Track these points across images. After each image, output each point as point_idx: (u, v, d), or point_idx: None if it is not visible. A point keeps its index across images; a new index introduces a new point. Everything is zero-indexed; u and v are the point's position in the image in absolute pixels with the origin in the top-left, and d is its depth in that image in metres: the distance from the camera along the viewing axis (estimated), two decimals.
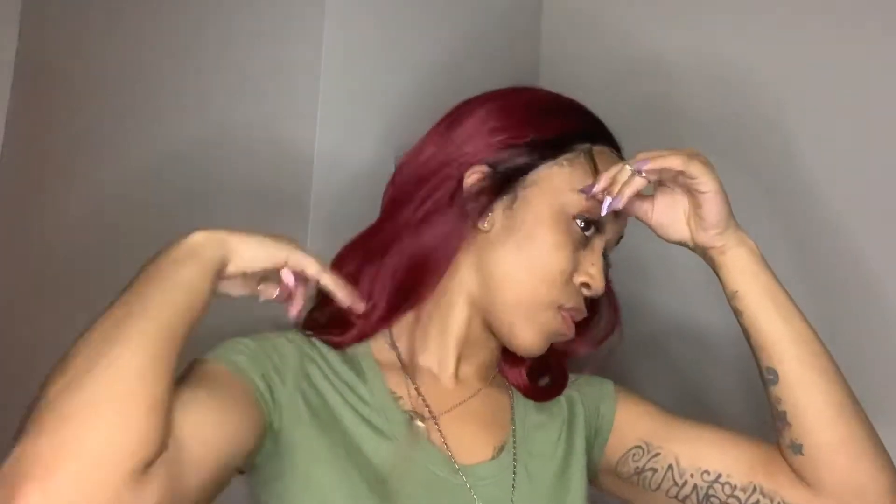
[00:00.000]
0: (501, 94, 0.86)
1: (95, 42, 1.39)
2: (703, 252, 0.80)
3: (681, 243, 0.82)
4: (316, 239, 0.99)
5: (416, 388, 0.80)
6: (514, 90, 0.87)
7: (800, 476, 0.75)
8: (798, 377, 0.74)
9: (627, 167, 0.77)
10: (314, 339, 0.80)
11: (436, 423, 0.79)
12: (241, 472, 0.73)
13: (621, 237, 0.86)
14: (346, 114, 1.04)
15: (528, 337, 0.80)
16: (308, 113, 1.02)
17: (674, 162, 0.76)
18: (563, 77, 1.31)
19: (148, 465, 0.56)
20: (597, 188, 0.78)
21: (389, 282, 0.81)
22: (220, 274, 0.68)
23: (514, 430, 0.83)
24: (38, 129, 1.44)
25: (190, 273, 0.66)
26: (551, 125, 0.83)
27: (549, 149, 0.81)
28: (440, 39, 1.17)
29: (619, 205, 0.76)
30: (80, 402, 0.56)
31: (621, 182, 0.77)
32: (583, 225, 0.80)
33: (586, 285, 0.81)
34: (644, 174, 0.76)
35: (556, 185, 0.80)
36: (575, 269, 0.80)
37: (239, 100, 1.14)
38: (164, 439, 0.58)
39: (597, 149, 0.83)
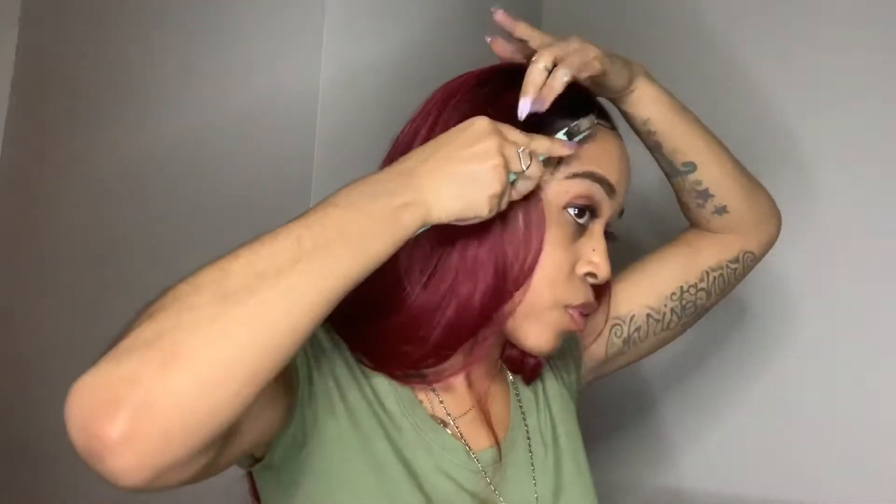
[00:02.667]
0: (472, 90, 0.78)
1: (95, 42, 1.39)
2: (609, 99, 0.85)
3: None
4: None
5: (437, 395, 0.79)
6: (483, 78, 0.80)
7: (725, 232, 0.93)
8: (710, 158, 0.89)
9: (542, 66, 0.74)
10: (335, 336, 0.76)
11: (457, 427, 0.78)
12: (257, 459, 0.71)
13: (622, 211, 0.81)
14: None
15: (537, 340, 0.77)
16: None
17: (595, 70, 0.77)
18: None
19: (220, 437, 0.54)
20: (525, 104, 0.73)
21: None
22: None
23: (522, 413, 0.84)
24: (38, 129, 1.44)
25: (385, 243, 0.61)
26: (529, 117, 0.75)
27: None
28: None
29: (543, 108, 0.73)
30: (218, 353, 0.51)
31: (538, 85, 0.74)
32: (576, 213, 0.75)
33: (591, 274, 0.77)
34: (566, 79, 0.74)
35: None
36: (575, 260, 0.76)
37: (245, 89, 1.14)
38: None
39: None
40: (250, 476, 0.75)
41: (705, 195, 0.91)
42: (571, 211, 0.75)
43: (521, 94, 0.73)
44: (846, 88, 1.29)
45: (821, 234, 1.28)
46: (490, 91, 0.76)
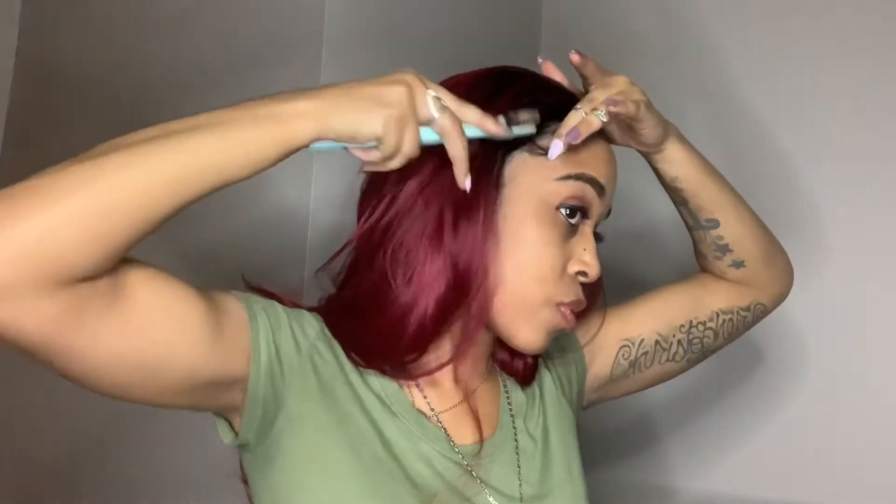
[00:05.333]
0: (463, 94, 0.77)
1: (95, 42, 1.39)
2: (639, 151, 0.89)
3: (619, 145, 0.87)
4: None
5: (420, 391, 0.80)
6: (475, 82, 0.81)
7: (739, 284, 0.97)
8: (734, 217, 0.93)
9: (581, 112, 0.77)
10: (328, 333, 0.78)
11: (439, 420, 0.79)
12: (233, 428, 0.74)
13: (609, 211, 0.83)
14: None
15: (528, 337, 0.79)
16: None
17: (628, 110, 0.79)
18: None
19: (68, 285, 0.56)
20: (557, 148, 0.76)
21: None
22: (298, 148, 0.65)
23: (512, 415, 0.85)
24: (38, 129, 1.45)
25: (261, 138, 0.62)
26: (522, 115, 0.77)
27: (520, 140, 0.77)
28: None
29: (576, 141, 0.76)
30: (63, 185, 0.57)
31: (573, 124, 0.77)
32: (568, 213, 0.78)
33: (582, 273, 0.79)
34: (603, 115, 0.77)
35: (532, 177, 0.77)
36: (567, 259, 0.78)
37: None
38: (99, 272, 0.58)
39: None
40: (241, 463, 0.77)
41: (725, 249, 0.95)
42: (564, 211, 0.78)
43: (557, 135, 0.76)
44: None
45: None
46: (481, 95, 0.77)
